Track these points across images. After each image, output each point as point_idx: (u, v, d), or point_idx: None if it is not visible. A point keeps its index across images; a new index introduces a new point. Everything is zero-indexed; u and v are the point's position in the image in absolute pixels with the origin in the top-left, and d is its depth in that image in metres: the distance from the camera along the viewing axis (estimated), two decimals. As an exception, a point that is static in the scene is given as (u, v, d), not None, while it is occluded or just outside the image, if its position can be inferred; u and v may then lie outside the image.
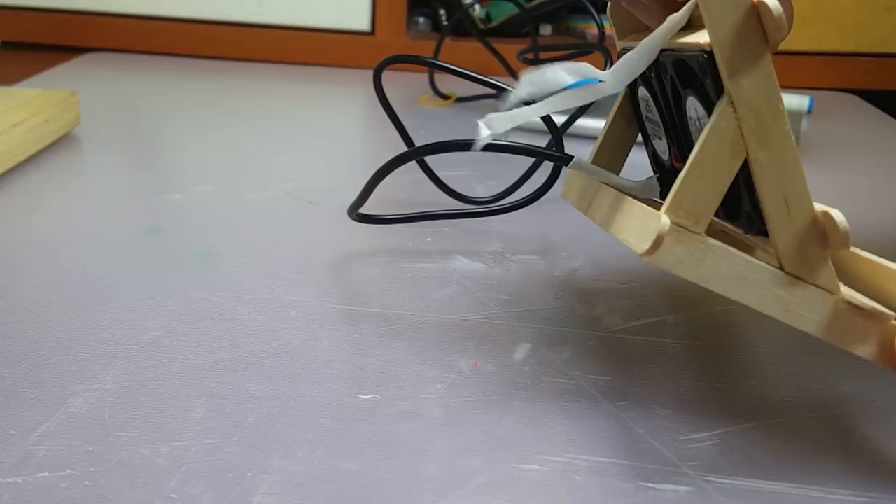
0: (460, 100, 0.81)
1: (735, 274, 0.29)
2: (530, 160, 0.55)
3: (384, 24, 0.95)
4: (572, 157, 0.36)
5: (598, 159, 0.39)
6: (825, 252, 0.29)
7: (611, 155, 0.39)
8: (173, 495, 0.27)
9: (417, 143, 0.55)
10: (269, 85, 0.87)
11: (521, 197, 0.48)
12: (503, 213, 0.48)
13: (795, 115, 0.74)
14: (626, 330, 0.38)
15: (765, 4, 0.27)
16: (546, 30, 1.05)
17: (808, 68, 0.94)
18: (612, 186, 0.35)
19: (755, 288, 0.29)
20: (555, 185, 0.48)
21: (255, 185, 0.56)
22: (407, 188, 0.56)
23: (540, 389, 0.34)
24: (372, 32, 0.96)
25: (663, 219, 0.28)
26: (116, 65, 0.92)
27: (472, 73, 0.46)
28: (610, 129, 0.39)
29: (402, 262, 0.45)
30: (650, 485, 0.28)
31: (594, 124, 0.69)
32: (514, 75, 0.82)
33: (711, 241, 0.29)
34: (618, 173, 0.38)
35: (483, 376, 0.34)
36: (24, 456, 0.28)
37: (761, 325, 0.39)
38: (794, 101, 0.81)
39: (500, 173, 0.60)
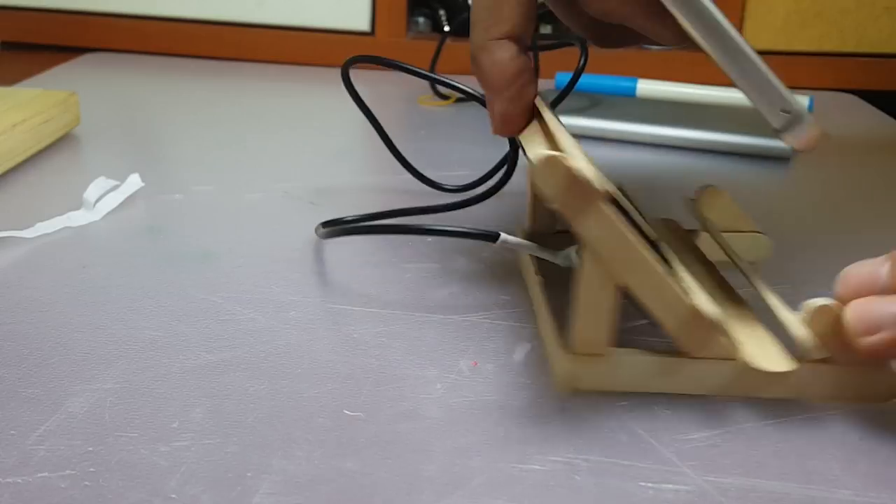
0: (460, 100, 0.81)
1: (647, 374, 0.33)
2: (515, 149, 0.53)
3: (384, 24, 0.95)
4: (498, 235, 0.37)
5: (534, 223, 0.43)
6: (710, 332, 0.32)
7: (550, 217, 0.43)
8: (173, 495, 0.27)
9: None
10: (269, 85, 0.87)
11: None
12: (470, 206, 0.47)
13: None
14: (626, 330, 0.38)
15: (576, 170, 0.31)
16: (546, 30, 1.05)
17: (808, 68, 0.94)
18: (540, 257, 0.39)
19: (668, 378, 0.33)
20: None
21: (255, 185, 0.56)
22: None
23: (540, 389, 0.34)
24: (372, 33, 0.96)
25: (565, 358, 0.33)
26: (116, 65, 0.92)
27: (433, 74, 0.47)
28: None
29: (402, 262, 0.45)
30: (650, 485, 0.28)
31: (598, 125, 0.69)
32: None
33: (618, 356, 0.33)
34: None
35: (483, 376, 0.34)
36: (24, 456, 0.28)
37: (761, 325, 0.39)
38: (794, 101, 0.81)
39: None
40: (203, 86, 0.85)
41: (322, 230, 0.45)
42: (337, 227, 0.44)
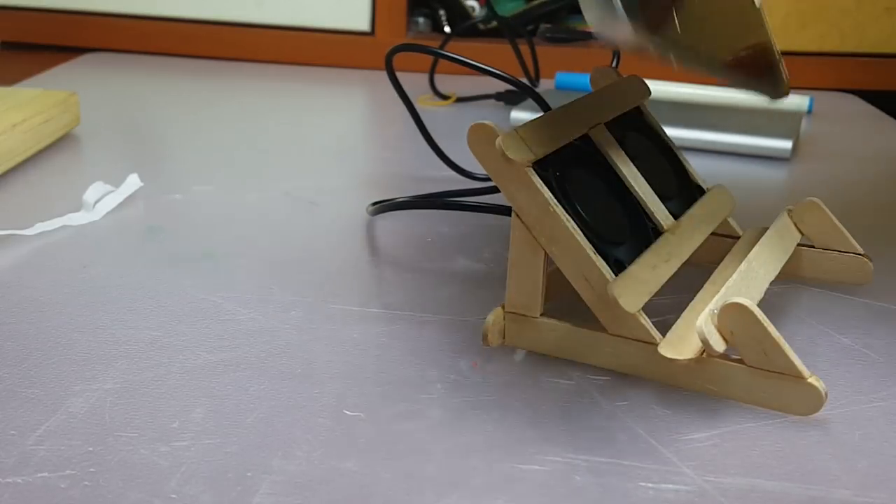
0: (460, 100, 0.81)
1: (570, 341, 0.35)
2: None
3: (384, 24, 0.95)
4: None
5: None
6: (622, 311, 0.33)
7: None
8: (173, 495, 0.27)
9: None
10: (269, 85, 0.87)
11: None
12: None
13: (795, 116, 0.74)
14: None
15: (501, 140, 0.32)
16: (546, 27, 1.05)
17: (808, 68, 0.94)
18: None
19: (590, 349, 0.34)
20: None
21: (255, 185, 0.56)
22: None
23: (540, 389, 0.34)
24: (372, 32, 0.96)
25: (494, 314, 0.35)
26: (116, 65, 0.92)
27: (490, 68, 0.47)
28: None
29: (402, 262, 0.45)
30: (650, 485, 0.28)
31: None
32: (530, 78, 0.82)
33: (544, 320, 0.35)
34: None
35: (483, 376, 0.34)
36: (24, 456, 0.28)
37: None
38: (794, 101, 0.81)
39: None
40: (203, 86, 0.85)
41: (371, 208, 0.48)
42: (385, 204, 0.47)
